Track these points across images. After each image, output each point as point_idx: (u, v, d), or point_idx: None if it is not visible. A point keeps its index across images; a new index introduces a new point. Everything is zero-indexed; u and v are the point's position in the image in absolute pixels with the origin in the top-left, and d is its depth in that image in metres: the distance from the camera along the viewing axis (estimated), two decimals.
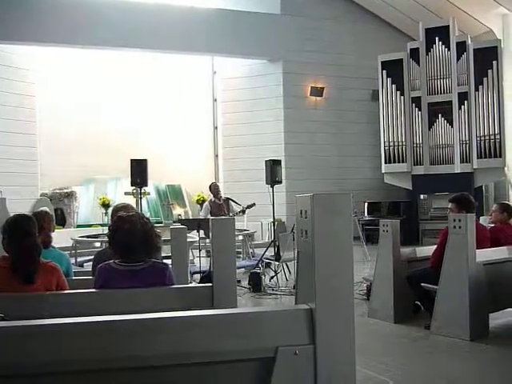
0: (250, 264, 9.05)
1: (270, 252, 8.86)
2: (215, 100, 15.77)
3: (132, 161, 9.78)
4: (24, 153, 12.87)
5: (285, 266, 8.32)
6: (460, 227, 4.89)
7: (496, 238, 5.59)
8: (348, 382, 1.91)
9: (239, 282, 7.63)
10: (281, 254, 8.15)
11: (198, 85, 15.64)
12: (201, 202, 14.20)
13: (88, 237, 10.33)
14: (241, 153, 14.44)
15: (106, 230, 10.16)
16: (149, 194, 12.50)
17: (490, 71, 12.71)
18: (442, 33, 13.21)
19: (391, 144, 13.76)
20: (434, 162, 13.37)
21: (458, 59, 13.08)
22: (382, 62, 13.83)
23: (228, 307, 2.80)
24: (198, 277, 7.89)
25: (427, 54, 13.40)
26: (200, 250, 8.47)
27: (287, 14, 14.41)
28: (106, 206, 12.66)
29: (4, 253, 3.02)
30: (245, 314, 2.05)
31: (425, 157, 13.45)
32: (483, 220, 8.88)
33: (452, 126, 13.14)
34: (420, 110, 13.48)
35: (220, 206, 9.68)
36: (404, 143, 13.64)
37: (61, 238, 9.24)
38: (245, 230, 10.94)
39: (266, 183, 9.35)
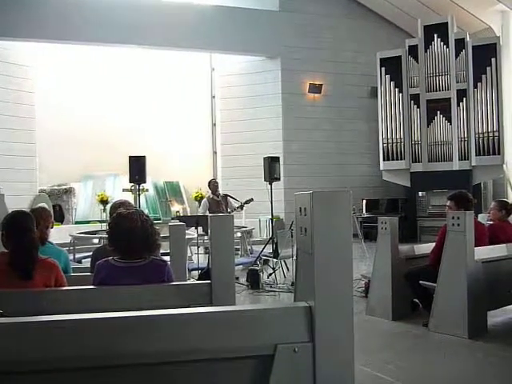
0: (249, 261, 9.06)
1: (268, 249, 8.86)
2: (213, 97, 15.75)
3: (130, 157, 9.76)
4: (23, 149, 12.86)
5: (283, 263, 8.32)
6: (458, 225, 4.89)
7: (494, 235, 5.59)
8: (347, 380, 1.91)
9: (237, 278, 7.63)
10: (279, 251, 8.15)
11: (196, 82, 15.62)
12: (199, 198, 14.21)
13: (86, 233, 10.33)
14: (239, 150, 14.43)
15: (104, 227, 10.19)
16: (147, 190, 12.49)
17: (488, 68, 12.72)
18: (441, 30, 13.21)
19: (389, 141, 13.77)
20: (432, 159, 13.38)
21: (456, 56, 13.08)
22: (380, 59, 13.83)
23: (226, 304, 2.80)
24: (196, 273, 7.90)
25: (426, 51, 13.39)
26: (198, 247, 8.48)
27: (285, 10, 14.39)
28: (104, 202, 12.67)
29: (3, 249, 3.02)
30: (243, 311, 2.04)
31: (423, 154, 13.46)
32: (482, 218, 8.89)
33: (450, 123, 13.15)
34: (418, 107, 13.49)
35: (218, 202, 9.67)
36: (402, 140, 13.65)
37: (59, 234, 9.24)
38: (243, 227, 10.95)
39: (265, 180, 9.35)
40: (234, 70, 14.86)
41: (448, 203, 5.55)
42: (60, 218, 13.61)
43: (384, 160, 13.89)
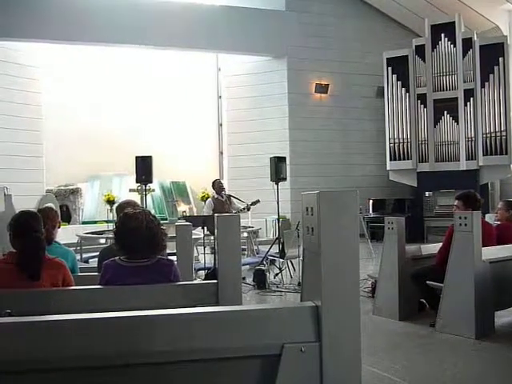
0: (255, 261, 9.05)
1: (275, 249, 8.86)
2: (220, 97, 15.77)
3: (137, 158, 9.78)
4: (29, 149, 12.92)
5: (289, 263, 8.32)
6: (466, 225, 4.87)
7: (502, 235, 5.56)
8: (353, 379, 1.91)
9: (244, 278, 7.63)
10: (285, 251, 8.14)
11: (202, 82, 15.64)
12: (205, 198, 14.20)
13: (93, 233, 10.36)
14: (245, 150, 14.44)
15: (111, 227, 10.22)
16: (153, 190, 12.52)
17: (496, 68, 12.66)
18: (448, 29, 13.16)
19: (396, 141, 13.73)
20: (439, 159, 13.33)
21: (463, 56, 13.03)
22: (387, 59, 13.79)
23: (233, 304, 2.80)
24: (202, 273, 7.90)
25: (433, 51, 13.35)
26: (205, 247, 8.48)
27: (292, 10, 14.38)
28: (110, 202, 12.70)
29: (11, 249, 3.03)
30: (250, 311, 2.04)
31: (430, 154, 13.41)
32: (489, 218, 8.84)
33: (458, 123, 13.10)
34: (425, 106, 13.44)
35: (223, 202, 9.66)
36: (409, 140, 13.61)
37: (66, 234, 9.28)
38: (249, 227, 10.95)
39: (271, 180, 9.34)
40: (241, 70, 14.87)
41: (455, 203, 5.53)
42: (67, 218, 13.67)
43: (391, 160, 13.85)
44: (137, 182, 9.98)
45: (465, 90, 13.03)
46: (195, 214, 13.62)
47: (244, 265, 8.68)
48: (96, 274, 3.41)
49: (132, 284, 2.86)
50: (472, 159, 13.00)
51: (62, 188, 14.18)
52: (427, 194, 13.67)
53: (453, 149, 13.18)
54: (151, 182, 10.02)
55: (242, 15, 13.83)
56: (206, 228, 8.17)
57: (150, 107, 14.85)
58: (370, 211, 13.95)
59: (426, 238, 13.21)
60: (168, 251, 4.19)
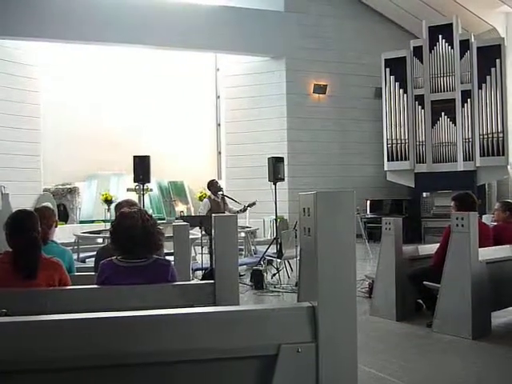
0: (252, 261, 9.06)
1: (272, 249, 8.86)
2: (218, 97, 15.78)
3: (135, 157, 9.78)
4: (27, 148, 12.91)
5: (287, 264, 8.32)
6: (463, 225, 4.88)
7: (499, 236, 5.58)
8: (350, 380, 1.91)
9: (241, 278, 7.63)
10: (283, 251, 8.15)
11: (201, 82, 15.66)
12: (203, 198, 14.21)
13: (90, 233, 10.36)
14: (243, 150, 14.43)
15: (108, 226, 10.21)
16: (151, 190, 12.52)
17: (493, 69, 12.69)
18: (446, 31, 13.19)
19: (394, 142, 13.75)
20: (436, 159, 13.36)
21: (461, 57, 13.06)
22: (385, 60, 13.82)
23: (230, 304, 2.80)
24: (199, 273, 7.91)
25: (430, 52, 13.37)
26: (202, 247, 8.48)
27: (290, 11, 14.39)
28: (108, 202, 12.69)
29: (8, 248, 3.03)
30: (247, 311, 2.04)
31: (427, 155, 13.43)
32: (486, 218, 8.86)
33: (455, 124, 13.12)
34: (423, 107, 13.47)
35: (219, 203, 9.66)
36: (407, 141, 13.63)
37: (63, 233, 9.28)
38: (247, 227, 10.95)
39: (269, 180, 9.34)
40: (239, 71, 14.87)
41: (452, 204, 5.54)
42: (64, 217, 13.66)
43: (388, 160, 13.87)
44: (135, 181, 9.97)
45: (462, 91, 13.06)
46: (193, 214, 13.61)
47: (241, 265, 8.68)
48: (93, 273, 3.40)
49: (129, 284, 2.86)
50: (469, 160, 13.02)
51: (60, 187, 14.17)
52: (424, 194, 13.70)
53: (450, 150, 13.21)
54: (149, 181, 10.01)
55: (241, 16, 13.83)
56: (203, 228, 8.17)
57: (148, 107, 14.85)
58: (368, 212, 13.96)
59: (424, 238, 13.23)
60: (165, 251, 4.20)
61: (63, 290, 3.03)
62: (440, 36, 13.25)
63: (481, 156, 12.87)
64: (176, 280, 3.03)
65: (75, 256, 8.74)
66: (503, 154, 12.70)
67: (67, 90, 14.17)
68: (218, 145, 15.86)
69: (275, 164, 9.30)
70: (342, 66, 14.68)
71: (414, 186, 13.84)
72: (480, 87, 12.87)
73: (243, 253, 10.15)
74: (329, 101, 14.75)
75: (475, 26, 13.84)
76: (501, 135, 12.67)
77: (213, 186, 9.71)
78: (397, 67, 13.68)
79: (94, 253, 4.35)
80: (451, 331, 4.88)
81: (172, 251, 4.06)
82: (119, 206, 4.00)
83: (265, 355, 1.88)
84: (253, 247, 10.62)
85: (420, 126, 13.52)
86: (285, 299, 6.99)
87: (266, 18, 14.09)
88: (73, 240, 9.79)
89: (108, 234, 3.28)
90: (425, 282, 5.33)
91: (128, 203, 3.88)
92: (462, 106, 13.07)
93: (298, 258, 2.24)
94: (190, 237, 5.19)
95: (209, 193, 9.63)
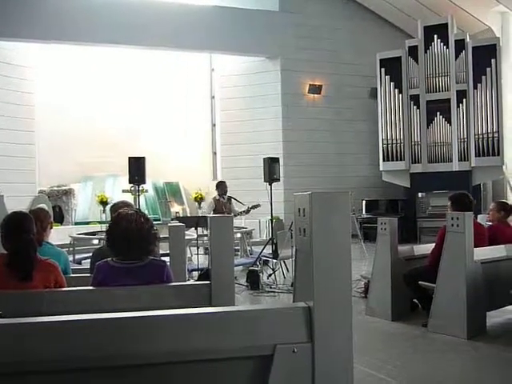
0: (248, 262, 9.06)
1: (268, 250, 8.87)
2: (213, 97, 15.77)
3: (130, 158, 9.76)
4: (22, 150, 12.86)
5: (282, 264, 8.33)
6: (458, 225, 4.90)
7: (494, 236, 5.59)
8: (346, 380, 1.92)
9: (236, 278, 7.63)
10: (278, 251, 8.15)
11: (195, 82, 15.64)
12: (199, 199, 14.22)
13: (86, 234, 10.33)
14: (239, 150, 14.43)
15: (103, 228, 10.16)
16: (146, 191, 12.49)
17: (488, 69, 12.72)
18: (441, 31, 13.21)
19: (389, 142, 13.77)
20: (432, 160, 13.38)
21: (456, 57, 13.09)
22: (380, 60, 13.83)
23: (226, 305, 2.80)
24: (195, 274, 7.90)
25: (426, 52, 13.40)
26: (198, 248, 8.48)
27: (285, 11, 14.40)
28: (103, 203, 12.67)
29: (3, 250, 3.02)
30: (243, 311, 2.05)
31: (423, 155, 13.46)
32: (481, 218, 8.89)
33: (450, 124, 13.15)
34: (418, 107, 13.49)
35: (224, 204, 9.75)
36: (402, 141, 13.65)
37: (59, 235, 9.24)
38: (243, 228, 10.95)
39: (264, 181, 9.35)
40: (234, 71, 14.87)
41: (448, 204, 5.56)
42: (59, 218, 13.62)
43: (384, 161, 13.89)
44: (130, 182, 9.96)
45: (457, 91, 13.08)
46: (188, 215, 13.61)
47: (237, 265, 8.68)
48: (88, 275, 3.40)
49: (125, 285, 2.86)
50: (464, 160, 13.05)
51: (55, 189, 14.13)
52: (420, 194, 13.72)
53: (445, 150, 13.23)
54: (144, 182, 10.01)
55: (236, 16, 13.83)
56: (200, 228, 8.19)
57: (143, 107, 14.83)
58: (363, 212, 13.98)
59: (419, 238, 13.25)
60: (161, 252, 4.19)
61: (59, 291, 3.02)
62: (435, 36, 13.26)
63: (476, 156, 12.90)
64: (172, 281, 3.03)
65: (71, 257, 8.72)
66: (498, 154, 12.73)
67: (62, 91, 14.13)
68: (213, 145, 15.85)
69: (270, 164, 9.30)
70: (337, 66, 14.69)
71: (409, 186, 13.86)
72: (475, 87, 12.91)
73: (239, 253, 10.15)
74: (324, 101, 14.76)
75: (470, 25, 13.88)
76: (496, 135, 12.70)
77: (220, 187, 9.88)
78: (392, 67, 13.70)
79: (90, 254, 4.34)
80: (446, 331, 4.89)
81: (168, 252, 4.06)
82: (115, 207, 4.00)
83: (260, 355, 1.88)
84: (248, 248, 10.62)
85: (415, 126, 13.54)
86: (281, 299, 6.99)
87: (261, 18, 14.09)
88: (68, 241, 9.76)
89: (104, 236, 3.28)
90: (420, 282, 5.35)
91: (124, 204, 3.88)
92: (458, 106, 13.09)
93: (294, 259, 2.24)
94: (186, 237, 5.18)
95: (216, 193, 9.76)
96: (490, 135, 12.74)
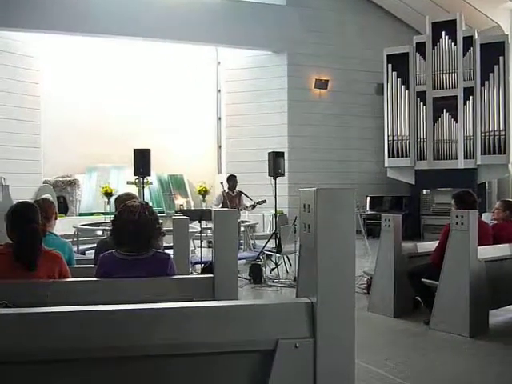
0: (251, 255, 9.08)
1: (272, 244, 8.88)
2: (219, 91, 15.75)
3: (135, 150, 9.77)
4: (27, 140, 12.88)
5: (285, 259, 8.33)
6: (462, 223, 4.89)
7: (498, 235, 5.58)
8: (347, 376, 1.92)
9: (239, 272, 7.64)
10: (282, 246, 8.16)
11: (202, 75, 15.61)
12: (203, 192, 14.23)
13: (90, 225, 10.36)
14: (244, 144, 14.42)
15: (108, 219, 10.22)
16: (151, 183, 12.51)
17: (496, 66, 12.65)
18: (449, 27, 13.13)
19: (395, 138, 13.73)
20: (437, 157, 13.34)
21: (464, 54, 13.01)
22: (387, 56, 13.78)
23: (229, 298, 2.81)
24: (199, 267, 7.92)
25: (433, 48, 13.33)
26: (201, 241, 8.50)
27: (292, 5, 14.35)
28: (108, 194, 12.69)
29: (8, 240, 3.03)
30: (246, 305, 2.05)
31: (428, 152, 13.42)
32: (486, 217, 8.86)
33: (456, 122, 13.10)
34: (425, 104, 13.44)
35: (233, 198, 9.80)
36: (408, 138, 13.61)
37: (63, 225, 9.28)
38: (246, 222, 10.97)
39: (269, 175, 9.34)
40: (240, 65, 14.84)
41: (452, 202, 5.55)
42: (64, 209, 13.65)
43: (389, 157, 13.86)
44: (135, 174, 9.98)
45: (464, 88, 13.01)
46: (193, 208, 13.62)
47: (240, 259, 8.70)
48: (92, 266, 3.41)
49: (128, 277, 2.86)
50: (470, 158, 13.00)
51: (60, 179, 14.15)
52: (424, 191, 13.69)
53: (451, 147, 13.18)
54: (149, 174, 10.02)
55: (243, 9, 13.79)
56: (204, 222, 8.22)
57: (148, 100, 14.82)
58: (367, 208, 13.96)
59: (423, 235, 13.23)
60: (164, 244, 4.20)
61: (63, 281, 3.03)
62: (443, 32, 13.19)
63: (482, 154, 12.85)
64: (175, 274, 3.04)
65: (75, 248, 8.75)
66: (504, 153, 12.68)
67: (68, 81, 14.14)
68: (218, 139, 15.84)
69: (275, 159, 9.30)
70: (343, 61, 14.64)
71: (414, 183, 13.83)
72: (483, 84, 12.84)
73: (242, 247, 10.17)
74: (330, 96, 14.72)
75: (479, 22, 13.79)
76: (502, 133, 12.64)
77: (231, 180, 9.94)
78: (399, 63, 13.64)
79: (94, 245, 4.35)
80: (449, 329, 4.89)
81: (171, 244, 4.07)
82: (119, 199, 4.01)
83: (262, 350, 1.89)
84: (252, 241, 10.64)
85: (421, 123, 13.49)
86: (283, 294, 7.00)
87: (268, 12, 14.04)
88: (72, 232, 9.80)
89: (108, 227, 3.29)
90: (423, 279, 5.35)
91: (128, 196, 3.89)
92: (464, 104, 13.03)
93: (298, 254, 2.24)
94: (190, 230, 5.19)
95: (226, 187, 9.83)
96: (497, 133, 12.68)
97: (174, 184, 15.00)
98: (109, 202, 12.37)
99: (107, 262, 2.94)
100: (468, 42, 12.98)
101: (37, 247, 2.99)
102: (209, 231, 9.19)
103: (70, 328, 1.81)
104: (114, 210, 3.60)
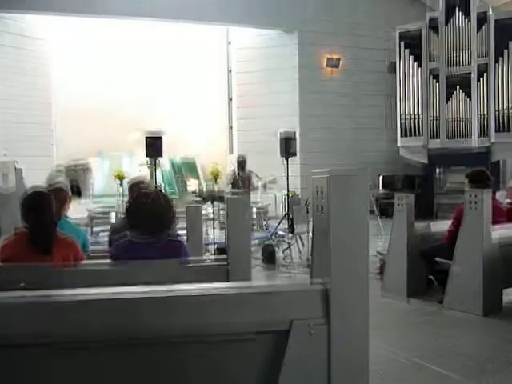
0: (264, 236, 9.10)
1: (284, 225, 8.88)
2: (230, 71, 15.63)
3: (147, 138, 9.64)
4: (39, 122, 12.93)
5: (298, 239, 8.34)
6: (476, 202, 4.86)
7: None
8: (361, 358, 1.93)
9: (251, 252, 7.67)
10: (294, 226, 8.17)
11: (212, 55, 15.50)
12: (215, 174, 14.22)
13: (103, 207, 10.42)
14: (255, 124, 14.35)
15: (120, 202, 10.22)
16: (163, 167, 12.51)
17: (510, 43, 12.41)
18: (463, 3, 12.86)
19: (407, 117, 13.59)
20: (450, 135, 13.19)
21: (478, 30, 12.77)
22: (400, 33, 13.57)
23: (243, 280, 2.82)
24: (211, 248, 7.96)
25: (446, 25, 13.09)
26: (214, 222, 8.53)
27: None
28: (120, 178, 12.71)
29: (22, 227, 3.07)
30: (260, 287, 2.07)
31: (441, 130, 13.27)
32: (500, 195, 8.78)
33: (470, 99, 12.91)
34: (438, 82, 13.25)
35: (243, 178, 9.83)
36: (421, 116, 13.46)
37: (76, 209, 9.33)
38: (259, 203, 10.98)
39: (281, 155, 9.32)
40: (251, 44, 14.71)
41: (466, 181, 5.51)
42: (77, 193, 13.70)
43: (401, 136, 13.74)
44: (146, 156, 9.95)
45: (478, 65, 12.79)
46: (204, 190, 13.64)
47: (253, 239, 8.72)
48: (107, 253, 3.44)
49: (143, 259, 2.89)
50: (484, 136, 12.84)
51: (72, 163, 14.19)
52: (438, 170, 13.57)
53: (465, 125, 13.02)
54: (161, 156, 9.98)
55: None
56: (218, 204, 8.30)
57: (159, 82, 14.77)
58: (380, 187, 13.87)
59: (436, 215, 13.14)
60: (178, 226, 4.22)
61: (78, 266, 3.07)
62: (457, 8, 12.93)
63: (496, 132, 12.68)
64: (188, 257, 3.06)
65: (88, 231, 8.84)
66: None
67: (79, 64, 14.10)
68: (229, 119, 15.77)
69: (287, 139, 9.26)
70: (355, 39, 14.44)
71: (427, 162, 13.72)
72: (497, 61, 12.61)
73: (255, 227, 10.19)
74: (342, 75, 14.56)
75: None
76: None
77: (239, 161, 9.97)
78: (412, 41, 13.43)
79: (107, 227, 4.39)
80: (462, 308, 4.89)
81: (185, 226, 4.10)
82: (133, 186, 4.02)
83: (277, 330, 1.91)
84: (264, 222, 10.65)
85: (434, 101, 13.31)
86: (296, 275, 7.03)
87: None
88: (86, 216, 9.87)
89: (121, 210, 3.33)
90: (437, 259, 5.34)
91: (141, 181, 3.91)
92: (478, 81, 12.83)
93: (310, 234, 2.25)
94: (203, 212, 5.22)
95: (235, 167, 9.88)
96: (511, 111, 12.50)
97: (186, 167, 15.02)
98: (121, 185, 12.40)
99: (121, 246, 2.97)
100: (482, 18, 12.72)
101: (51, 232, 3.03)
102: (221, 212, 9.21)
103: (83, 313, 1.84)
104: (126, 193, 3.62)
